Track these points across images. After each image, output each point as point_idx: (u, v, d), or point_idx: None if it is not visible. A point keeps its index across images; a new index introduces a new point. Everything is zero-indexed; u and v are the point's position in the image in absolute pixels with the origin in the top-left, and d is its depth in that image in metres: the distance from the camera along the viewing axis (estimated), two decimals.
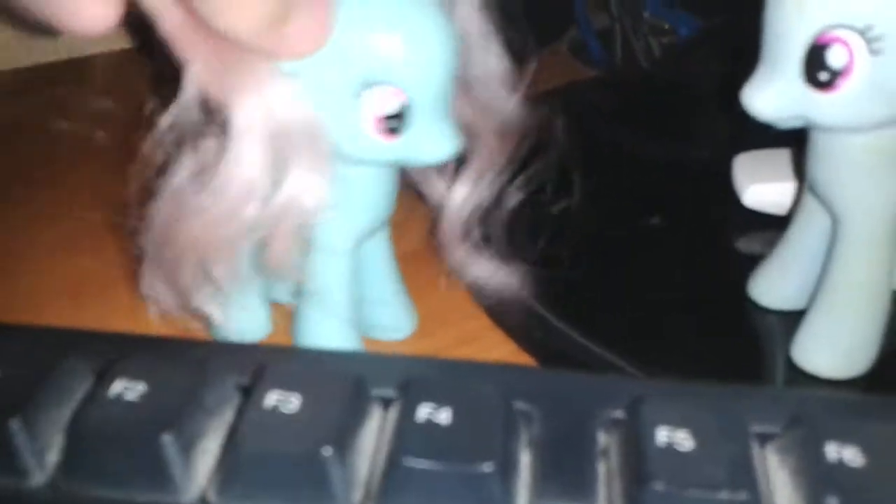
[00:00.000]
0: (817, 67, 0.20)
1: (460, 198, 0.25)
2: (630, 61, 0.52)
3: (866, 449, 0.17)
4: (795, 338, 0.25)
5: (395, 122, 0.21)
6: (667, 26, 0.53)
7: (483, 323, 0.30)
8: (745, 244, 0.31)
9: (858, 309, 0.24)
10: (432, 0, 0.21)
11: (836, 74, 0.20)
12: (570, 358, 0.27)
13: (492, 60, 0.24)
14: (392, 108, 0.21)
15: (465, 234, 0.25)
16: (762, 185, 0.31)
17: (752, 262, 0.28)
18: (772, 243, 0.28)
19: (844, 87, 0.20)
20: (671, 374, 0.24)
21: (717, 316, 0.28)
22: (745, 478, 0.16)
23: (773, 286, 0.27)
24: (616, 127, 0.42)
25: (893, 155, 0.22)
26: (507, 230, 0.32)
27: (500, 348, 0.29)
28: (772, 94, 0.21)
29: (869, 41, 0.19)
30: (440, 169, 0.25)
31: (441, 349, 0.29)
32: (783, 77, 0.21)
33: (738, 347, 0.27)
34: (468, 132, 0.23)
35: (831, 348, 0.25)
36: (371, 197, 0.24)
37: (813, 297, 0.25)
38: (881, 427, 0.17)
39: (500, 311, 0.29)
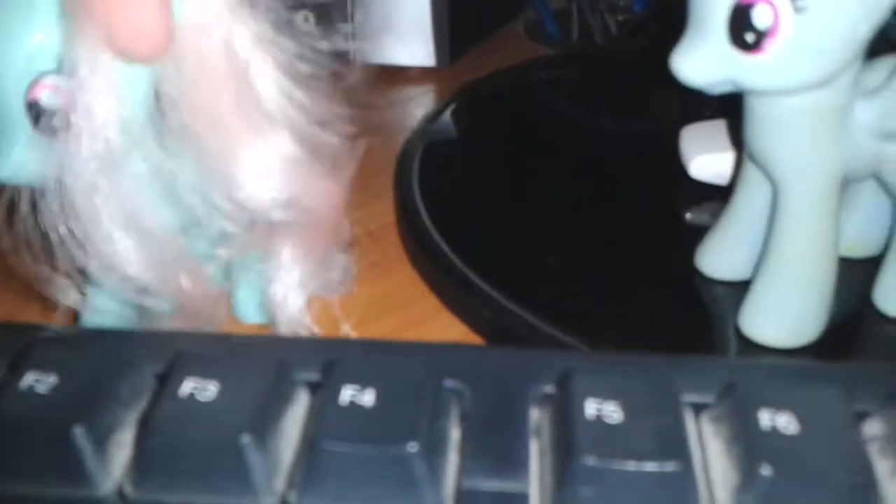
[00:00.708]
0: (743, 28, 0.19)
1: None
2: (586, 40, 0.51)
3: (800, 415, 0.17)
4: (742, 308, 0.25)
5: None
6: (622, 3, 0.52)
7: (433, 305, 0.29)
8: (693, 215, 0.31)
9: (803, 277, 0.24)
10: None
11: (761, 35, 0.19)
12: (519, 337, 0.26)
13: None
14: None
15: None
16: (707, 156, 0.30)
17: (699, 233, 0.28)
18: (718, 214, 0.27)
19: (771, 48, 0.20)
20: (620, 348, 0.24)
21: (665, 288, 0.28)
22: (676, 448, 0.16)
23: (718, 257, 0.27)
24: (569, 103, 0.42)
25: (827, 116, 0.21)
26: (453, 207, 0.31)
27: (450, 330, 0.28)
28: (699, 60, 0.21)
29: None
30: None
31: (390, 332, 0.28)
32: (710, 41, 0.20)
33: (686, 319, 0.27)
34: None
35: (778, 318, 0.24)
36: None
37: (758, 266, 0.25)
38: (815, 392, 0.17)
39: (448, 293, 0.29)
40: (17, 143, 0.19)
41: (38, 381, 0.17)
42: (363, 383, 0.17)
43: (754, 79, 0.21)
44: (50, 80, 0.19)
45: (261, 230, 0.22)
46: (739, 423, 0.17)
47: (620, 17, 0.53)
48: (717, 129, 0.31)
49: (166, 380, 0.17)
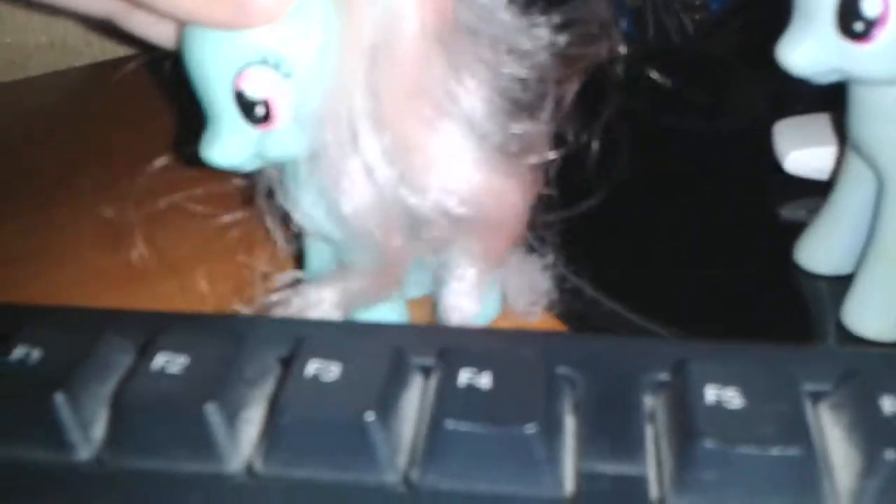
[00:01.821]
0: (852, 17, 0.19)
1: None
2: (662, 39, 0.51)
3: None
4: (845, 302, 0.25)
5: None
6: (698, 2, 0.52)
7: None
8: (789, 211, 0.30)
9: None
10: None
11: (871, 24, 0.19)
12: (613, 331, 0.26)
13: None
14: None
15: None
16: (803, 151, 0.30)
17: (796, 228, 0.28)
18: (815, 209, 0.27)
19: (881, 37, 0.19)
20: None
21: (764, 283, 0.27)
22: (798, 433, 0.16)
23: (819, 251, 0.27)
24: (655, 101, 0.42)
25: None
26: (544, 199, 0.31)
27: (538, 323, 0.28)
28: (807, 49, 0.20)
29: None
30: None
31: None
32: (817, 30, 0.20)
33: (786, 314, 0.26)
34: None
35: (882, 311, 0.24)
36: None
37: (861, 260, 0.24)
38: None
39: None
40: (229, 131, 0.20)
41: (169, 362, 0.18)
42: (479, 367, 0.18)
43: (863, 68, 0.20)
44: (253, 71, 0.19)
45: (441, 227, 0.21)
46: (860, 410, 0.17)
47: (696, 16, 0.52)
48: (810, 123, 0.31)
49: (292, 361, 0.18)
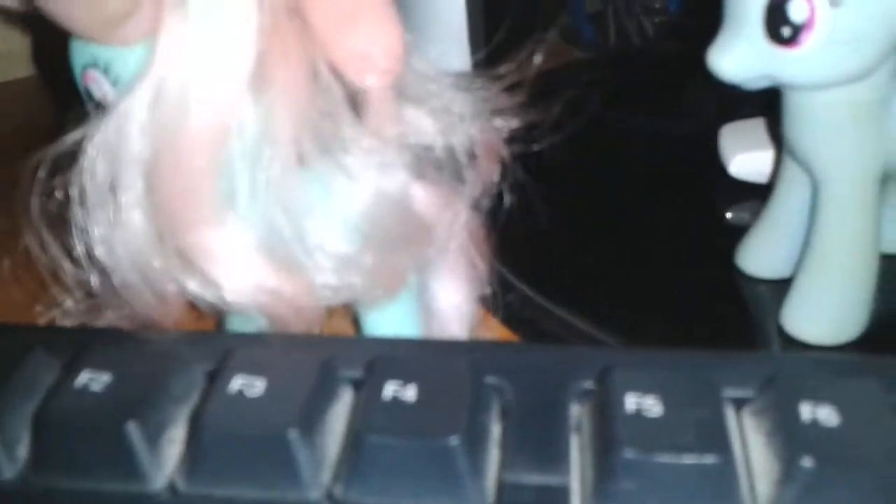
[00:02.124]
0: (779, 23, 0.20)
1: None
2: (623, 42, 0.51)
3: (841, 408, 0.17)
4: (784, 306, 0.25)
5: None
6: (658, 5, 0.52)
7: None
8: (733, 214, 0.31)
9: (845, 274, 0.24)
10: None
11: (798, 29, 0.19)
12: (555, 335, 0.26)
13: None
14: None
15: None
16: (747, 155, 0.30)
17: (740, 231, 0.28)
18: (758, 212, 0.27)
19: (808, 42, 0.20)
20: (660, 346, 0.24)
21: (706, 286, 0.28)
22: (716, 441, 0.16)
23: (759, 255, 0.27)
24: (608, 105, 0.42)
25: (866, 110, 0.21)
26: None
27: (488, 330, 0.28)
28: (736, 55, 0.21)
29: None
30: None
31: None
32: (746, 36, 0.20)
33: (728, 317, 0.27)
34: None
35: (820, 315, 0.24)
36: None
37: (799, 263, 0.25)
38: (855, 385, 0.17)
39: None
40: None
41: (93, 380, 0.18)
42: (405, 379, 0.18)
43: (791, 73, 0.21)
44: (91, 72, 0.19)
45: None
46: (780, 415, 0.17)
47: (657, 19, 0.53)
48: (756, 127, 0.31)
49: (216, 377, 0.18)
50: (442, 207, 0.22)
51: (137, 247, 0.19)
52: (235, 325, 0.23)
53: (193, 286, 0.19)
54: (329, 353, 0.19)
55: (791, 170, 0.25)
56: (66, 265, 0.20)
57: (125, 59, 0.19)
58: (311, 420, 0.17)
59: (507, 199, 0.26)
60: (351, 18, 0.19)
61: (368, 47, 0.19)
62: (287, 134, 0.19)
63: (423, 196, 0.21)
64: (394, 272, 0.21)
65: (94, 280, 0.20)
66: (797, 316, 0.25)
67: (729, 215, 0.31)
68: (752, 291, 0.27)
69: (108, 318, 0.21)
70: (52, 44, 0.20)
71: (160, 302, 0.20)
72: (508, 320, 0.28)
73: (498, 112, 0.23)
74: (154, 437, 0.17)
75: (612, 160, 0.35)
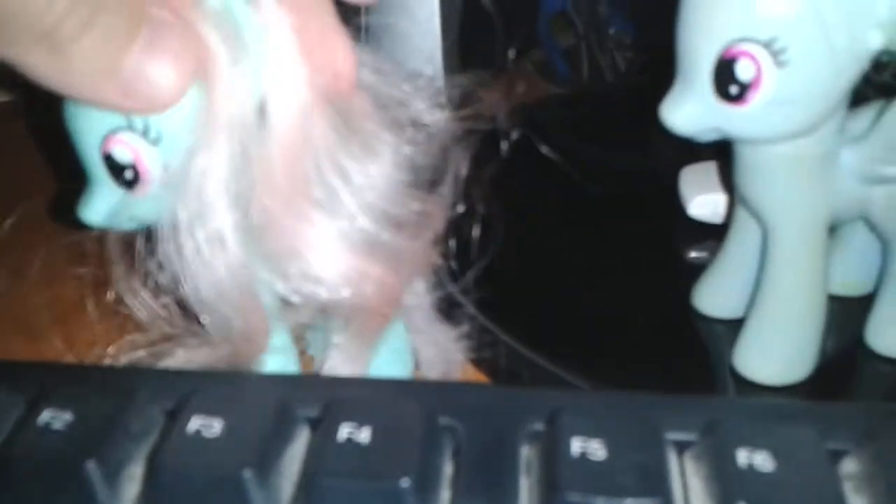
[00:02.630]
0: (727, 81, 0.20)
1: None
2: (596, 78, 0.52)
3: (777, 453, 0.17)
4: (736, 346, 0.26)
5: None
6: (630, 41, 0.53)
7: None
8: (692, 254, 0.31)
9: (793, 316, 0.25)
10: None
11: (745, 87, 0.20)
12: (520, 375, 0.27)
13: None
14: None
15: None
16: (706, 196, 0.31)
17: (698, 271, 0.29)
18: (717, 253, 0.28)
19: (754, 100, 0.20)
20: (620, 386, 0.25)
21: (664, 326, 0.28)
22: (656, 484, 0.17)
23: (714, 296, 0.28)
24: (575, 142, 0.43)
25: (813, 162, 0.22)
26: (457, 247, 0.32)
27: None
28: (687, 110, 0.21)
29: (774, 54, 0.20)
30: None
31: None
32: (697, 92, 0.21)
33: (684, 357, 0.27)
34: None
35: (770, 356, 0.25)
36: None
37: (751, 305, 0.25)
38: (792, 431, 0.18)
39: None
40: (100, 192, 0.20)
41: (55, 418, 0.18)
42: (360, 421, 0.18)
43: (739, 128, 0.21)
44: (121, 136, 0.19)
45: (309, 307, 0.22)
46: (718, 461, 0.17)
47: (629, 54, 0.54)
48: (715, 169, 0.32)
49: (174, 417, 0.18)
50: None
51: (225, 276, 0.20)
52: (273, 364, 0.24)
53: (290, 286, 0.21)
54: (287, 392, 0.19)
55: (743, 213, 0.26)
56: (147, 303, 0.22)
57: (170, 115, 0.19)
58: (266, 461, 0.17)
59: (472, 233, 0.27)
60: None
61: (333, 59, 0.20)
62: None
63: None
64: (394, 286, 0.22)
65: (177, 317, 0.21)
66: (748, 357, 0.25)
67: (689, 255, 0.31)
68: (707, 330, 0.28)
69: (180, 357, 0.22)
70: None
71: (247, 332, 0.21)
72: (481, 363, 0.29)
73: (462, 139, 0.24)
74: (113, 476, 0.18)
75: (577, 196, 0.36)
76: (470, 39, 0.48)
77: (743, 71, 0.20)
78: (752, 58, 0.20)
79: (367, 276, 0.21)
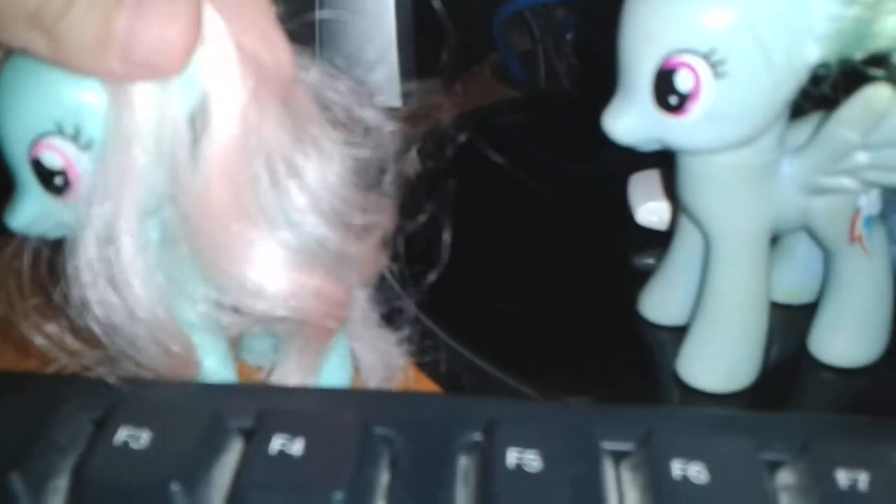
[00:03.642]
0: (666, 92, 0.20)
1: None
2: (554, 82, 0.53)
3: (711, 465, 0.17)
4: (679, 354, 0.26)
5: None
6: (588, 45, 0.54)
7: None
8: (639, 261, 0.31)
9: (735, 324, 0.25)
10: None
11: (684, 98, 0.20)
12: (468, 382, 0.27)
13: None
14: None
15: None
16: (654, 204, 0.31)
17: (644, 278, 0.29)
18: (662, 260, 0.28)
19: (693, 110, 0.20)
20: (565, 392, 0.25)
21: (610, 333, 0.28)
22: (591, 498, 0.17)
23: (659, 302, 0.28)
24: (528, 147, 0.43)
25: (753, 173, 0.22)
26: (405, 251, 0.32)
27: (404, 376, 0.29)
28: (628, 120, 0.21)
29: (713, 65, 0.20)
30: None
31: None
32: (637, 102, 0.21)
33: (629, 364, 0.27)
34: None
35: (712, 363, 0.25)
36: None
37: (693, 313, 0.26)
38: (727, 442, 0.18)
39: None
40: (27, 198, 0.20)
41: None
42: (293, 432, 0.18)
43: (679, 139, 0.21)
44: (50, 140, 0.19)
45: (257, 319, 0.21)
46: (653, 472, 0.17)
47: (586, 60, 0.54)
48: (661, 178, 0.32)
49: (102, 428, 0.18)
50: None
51: (144, 302, 0.19)
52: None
53: (228, 299, 0.20)
54: (219, 402, 0.19)
55: (686, 222, 0.26)
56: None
57: (97, 117, 0.19)
58: (194, 473, 0.17)
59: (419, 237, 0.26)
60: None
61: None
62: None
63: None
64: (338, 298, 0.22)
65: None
66: (691, 364, 0.25)
67: (635, 262, 0.32)
68: (652, 337, 0.28)
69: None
70: None
71: (170, 364, 0.21)
72: (431, 372, 0.28)
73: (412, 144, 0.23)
74: (37, 488, 0.17)
75: (527, 201, 0.36)
76: (425, 42, 0.48)
77: (682, 82, 0.20)
78: (692, 69, 0.20)
79: (310, 290, 0.21)
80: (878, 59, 0.20)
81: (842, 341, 0.26)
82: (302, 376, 0.22)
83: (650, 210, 0.31)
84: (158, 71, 0.18)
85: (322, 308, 0.21)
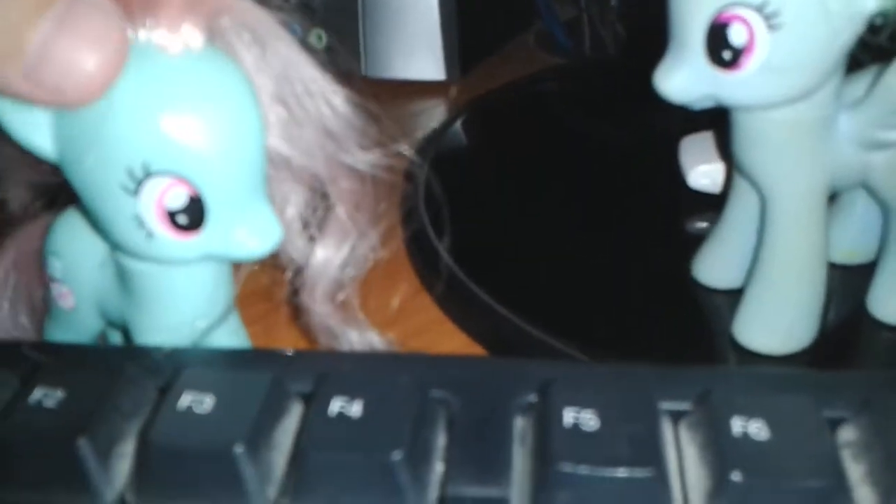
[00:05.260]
0: (720, 46, 0.20)
1: (322, 260, 0.22)
2: (598, 50, 0.52)
3: (771, 422, 0.17)
4: (736, 317, 0.26)
5: (184, 218, 0.18)
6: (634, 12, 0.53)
7: (433, 315, 0.30)
8: (692, 225, 0.31)
9: (793, 285, 0.24)
10: (230, 71, 0.18)
11: (738, 52, 0.20)
12: (518, 347, 0.27)
13: (330, 109, 0.20)
14: (177, 203, 0.18)
15: (331, 296, 0.22)
16: (706, 167, 0.31)
17: (697, 242, 0.29)
18: (716, 223, 0.28)
19: (748, 65, 0.20)
20: (618, 358, 0.25)
21: (664, 297, 0.28)
22: (649, 454, 0.17)
23: (713, 266, 0.27)
24: (576, 114, 0.43)
25: (810, 128, 0.22)
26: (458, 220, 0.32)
27: (451, 340, 0.29)
28: (680, 77, 0.21)
29: (766, 17, 0.19)
30: (301, 226, 0.22)
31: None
32: (690, 58, 0.21)
33: (683, 328, 0.27)
34: (324, 188, 0.21)
35: (770, 326, 0.25)
36: (192, 295, 0.21)
37: (749, 275, 0.25)
38: (787, 399, 0.18)
39: (450, 304, 0.30)
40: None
41: (47, 396, 0.18)
42: (352, 395, 0.18)
43: (734, 95, 0.21)
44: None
45: None
46: (712, 429, 0.17)
47: (632, 26, 0.53)
48: (714, 139, 0.32)
49: (166, 393, 0.18)
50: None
51: None
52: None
53: None
54: (279, 368, 0.19)
55: (741, 183, 0.25)
56: None
57: None
58: (257, 436, 0.17)
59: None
60: None
61: None
62: None
63: None
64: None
65: None
66: (748, 327, 0.25)
67: (688, 226, 0.31)
68: (707, 301, 0.28)
69: None
70: None
71: None
72: (471, 331, 0.29)
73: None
74: (105, 453, 0.18)
75: (578, 170, 0.36)
76: (469, 13, 0.48)
77: (735, 35, 0.20)
78: (745, 22, 0.20)
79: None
80: None
81: None
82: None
83: (702, 173, 0.31)
84: (65, 98, 0.17)
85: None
